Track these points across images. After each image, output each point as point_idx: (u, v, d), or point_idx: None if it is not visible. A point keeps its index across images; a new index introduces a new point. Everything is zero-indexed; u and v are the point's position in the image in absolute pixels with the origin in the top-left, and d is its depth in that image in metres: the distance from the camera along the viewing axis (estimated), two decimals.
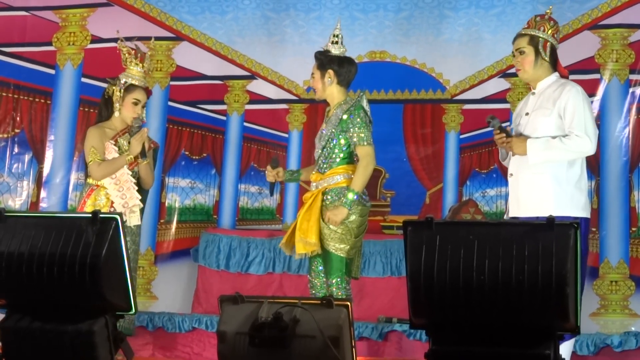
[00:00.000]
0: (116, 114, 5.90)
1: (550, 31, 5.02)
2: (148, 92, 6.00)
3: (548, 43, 5.00)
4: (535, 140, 4.86)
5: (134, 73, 5.94)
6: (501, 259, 3.09)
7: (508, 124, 5.59)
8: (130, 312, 3.53)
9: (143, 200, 5.95)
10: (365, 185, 5.40)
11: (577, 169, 4.89)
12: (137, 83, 5.91)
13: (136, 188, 5.84)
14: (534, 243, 3.09)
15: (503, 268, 3.07)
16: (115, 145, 5.88)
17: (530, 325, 3.11)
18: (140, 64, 5.97)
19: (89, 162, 5.86)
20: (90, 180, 5.90)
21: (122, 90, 5.87)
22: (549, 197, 4.83)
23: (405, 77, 7.67)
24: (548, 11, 5.12)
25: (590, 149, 4.85)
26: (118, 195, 5.80)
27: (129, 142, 5.87)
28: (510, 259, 3.08)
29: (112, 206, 5.80)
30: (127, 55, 5.97)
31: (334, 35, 5.56)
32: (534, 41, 5.00)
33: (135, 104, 5.87)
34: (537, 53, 4.99)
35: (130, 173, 5.85)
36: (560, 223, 3.13)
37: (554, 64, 5.05)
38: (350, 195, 5.30)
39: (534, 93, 5.06)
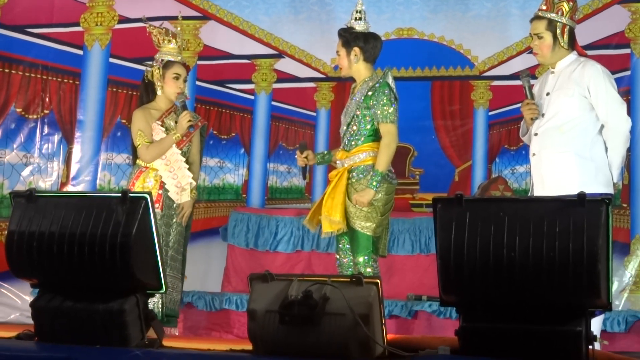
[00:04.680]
0: (159, 92, 5.91)
1: (568, 13, 4.98)
2: (186, 67, 6.03)
3: (566, 27, 4.97)
4: (613, 169, 4.95)
5: (169, 49, 5.96)
6: (532, 235, 3.07)
7: None
8: (161, 291, 3.55)
9: (195, 178, 5.97)
10: (390, 163, 5.38)
11: (600, 146, 4.91)
12: (174, 59, 5.93)
13: (187, 166, 5.86)
14: (564, 219, 3.07)
15: (534, 245, 3.05)
16: (162, 126, 5.88)
17: (562, 303, 3.09)
18: (174, 40, 5.98)
19: (137, 146, 5.85)
20: (139, 162, 5.91)
21: (160, 68, 5.88)
22: (574, 174, 4.83)
23: (433, 54, 7.63)
24: None
25: (628, 124, 4.96)
26: (169, 175, 5.83)
27: (176, 122, 5.89)
28: (541, 236, 3.06)
29: (161, 187, 5.82)
30: (158, 35, 5.99)
31: (357, 12, 5.53)
32: (552, 26, 4.97)
33: (176, 78, 5.89)
34: (555, 38, 4.97)
35: (180, 152, 5.86)
36: (591, 199, 3.10)
37: (572, 45, 5.03)
38: (376, 176, 5.29)
39: (552, 72, 5.05)
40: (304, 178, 5.87)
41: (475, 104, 7.54)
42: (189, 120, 5.81)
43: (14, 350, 3.30)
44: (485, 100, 7.51)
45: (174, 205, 5.85)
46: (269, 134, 7.89)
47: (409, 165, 7.58)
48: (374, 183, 5.29)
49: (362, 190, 5.32)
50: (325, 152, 5.88)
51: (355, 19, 5.51)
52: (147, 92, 5.98)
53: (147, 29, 6.04)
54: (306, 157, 5.59)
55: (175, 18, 6.40)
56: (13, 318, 7.32)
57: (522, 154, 7.30)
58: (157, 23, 6.12)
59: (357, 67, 5.48)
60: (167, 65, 5.90)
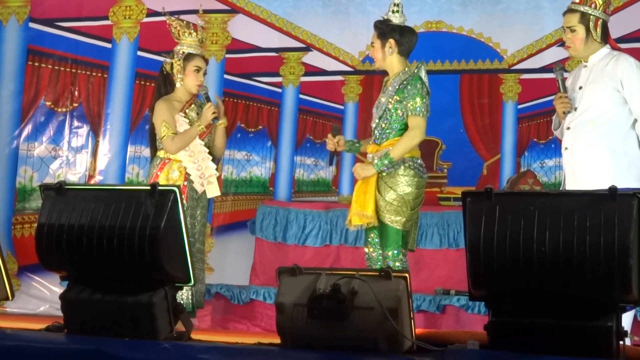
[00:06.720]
0: (178, 84, 5.91)
1: (601, 6, 4.93)
2: (206, 59, 6.03)
3: (599, 21, 4.92)
4: None
5: (189, 42, 5.96)
6: (562, 230, 3.04)
7: None
8: (189, 284, 3.56)
9: (217, 169, 5.97)
10: (404, 155, 5.31)
11: (633, 141, 4.87)
12: (194, 51, 5.93)
13: (210, 158, 5.86)
14: (595, 214, 3.04)
15: (564, 239, 3.03)
16: (185, 117, 5.88)
17: (592, 297, 3.06)
18: (194, 33, 5.99)
19: (162, 137, 5.84)
20: (161, 154, 5.90)
21: (181, 60, 5.89)
22: (607, 169, 4.80)
23: (462, 47, 7.60)
24: None
25: None
26: (194, 167, 5.82)
27: (197, 113, 5.89)
28: (571, 230, 3.03)
29: (186, 179, 5.82)
30: (178, 27, 5.99)
31: (394, 4, 5.50)
32: (585, 19, 4.93)
33: (197, 71, 5.89)
34: (587, 31, 4.93)
35: (203, 143, 5.86)
36: (623, 193, 3.07)
37: (605, 38, 4.99)
38: (385, 159, 5.25)
39: (585, 66, 5.02)
40: (330, 164, 5.83)
41: (504, 97, 7.49)
42: (213, 112, 5.81)
43: (43, 342, 3.31)
44: (514, 94, 7.47)
45: (197, 196, 5.86)
46: (297, 127, 7.89)
47: (437, 158, 7.55)
48: (379, 164, 5.26)
49: (366, 164, 5.34)
50: (355, 141, 5.84)
51: (393, 12, 5.48)
52: (165, 84, 5.99)
53: (167, 21, 6.04)
54: (337, 142, 5.56)
55: (203, 11, 6.40)
56: (42, 310, 7.37)
57: (551, 147, 7.26)
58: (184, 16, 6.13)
59: (391, 60, 5.46)
60: (187, 57, 5.90)
